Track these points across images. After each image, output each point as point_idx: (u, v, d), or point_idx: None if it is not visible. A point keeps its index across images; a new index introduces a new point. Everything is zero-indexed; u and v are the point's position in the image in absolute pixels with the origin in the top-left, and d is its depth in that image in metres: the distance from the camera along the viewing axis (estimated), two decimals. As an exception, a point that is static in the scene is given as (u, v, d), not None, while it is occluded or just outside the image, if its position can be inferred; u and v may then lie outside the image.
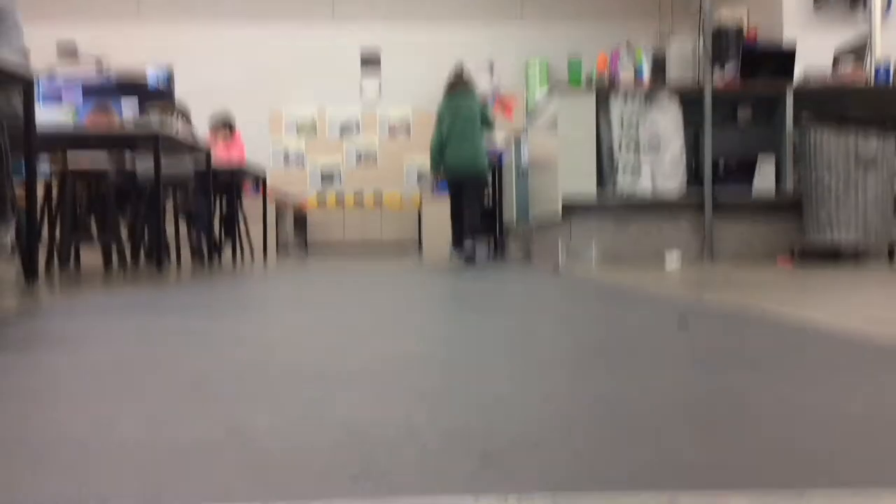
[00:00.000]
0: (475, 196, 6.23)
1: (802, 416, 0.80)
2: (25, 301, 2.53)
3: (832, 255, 4.48)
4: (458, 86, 6.20)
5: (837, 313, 1.74)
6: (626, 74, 4.86)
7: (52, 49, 10.35)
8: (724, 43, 7.84)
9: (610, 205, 4.69)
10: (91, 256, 5.82)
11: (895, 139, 4.21)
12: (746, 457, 0.66)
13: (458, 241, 6.36)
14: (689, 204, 4.68)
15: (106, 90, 10.12)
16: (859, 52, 5.31)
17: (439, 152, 6.13)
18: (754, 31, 8.17)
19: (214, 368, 1.16)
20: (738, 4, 8.49)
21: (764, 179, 4.78)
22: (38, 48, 8.12)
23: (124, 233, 5.50)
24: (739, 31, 8.05)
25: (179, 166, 5.72)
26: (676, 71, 4.98)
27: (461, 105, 6.04)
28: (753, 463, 0.65)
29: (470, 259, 6.03)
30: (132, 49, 10.52)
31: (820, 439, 0.72)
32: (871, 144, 4.14)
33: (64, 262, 4.41)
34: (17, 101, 3.33)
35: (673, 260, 4.53)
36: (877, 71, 4.98)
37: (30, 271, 3.11)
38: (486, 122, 6.07)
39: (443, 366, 1.15)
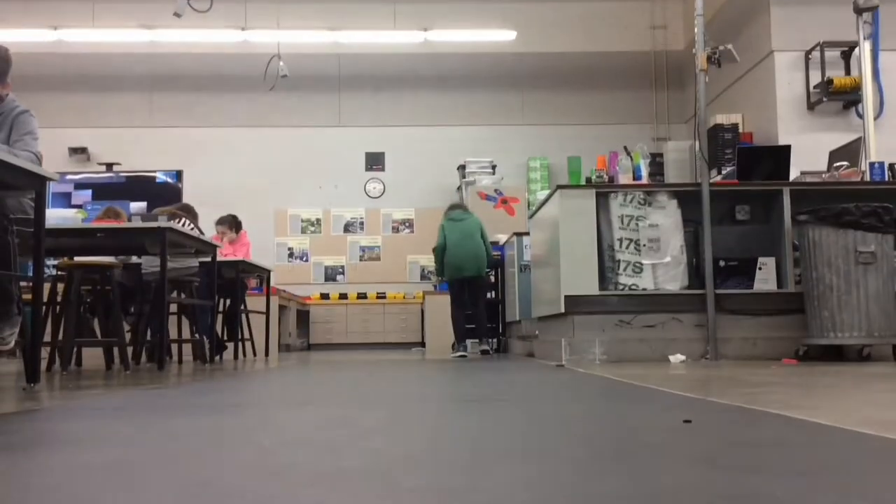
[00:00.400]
0: (478, 295, 6.80)
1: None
2: (26, 401, 2.52)
3: (837, 355, 4.46)
4: (458, 207, 7.06)
5: (842, 413, 1.73)
6: (624, 175, 4.95)
7: (64, 153, 10.61)
8: (720, 143, 8.03)
9: (612, 302, 4.70)
10: (93, 355, 5.81)
11: (893, 237, 4.25)
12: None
13: (460, 338, 6.74)
14: (692, 302, 4.69)
15: (115, 190, 10.32)
16: (853, 153, 5.42)
17: (442, 254, 6.79)
18: (749, 135, 8.38)
19: (213, 469, 1.15)
20: (733, 109, 8.74)
21: (765, 278, 4.80)
22: (50, 152, 8.31)
23: (126, 330, 5.50)
24: (735, 132, 8.26)
25: (185, 264, 5.77)
26: (674, 171, 5.08)
27: (462, 219, 6.85)
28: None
29: (485, 352, 6.79)
30: (142, 153, 10.78)
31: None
32: (870, 242, 4.18)
33: (66, 362, 4.40)
34: (29, 203, 3.40)
35: (677, 359, 4.51)
36: (872, 169, 5.07)
37: (31, 371, 3.11)
38: (484, 240, 6.81)
39: (445, 465, 1.14)
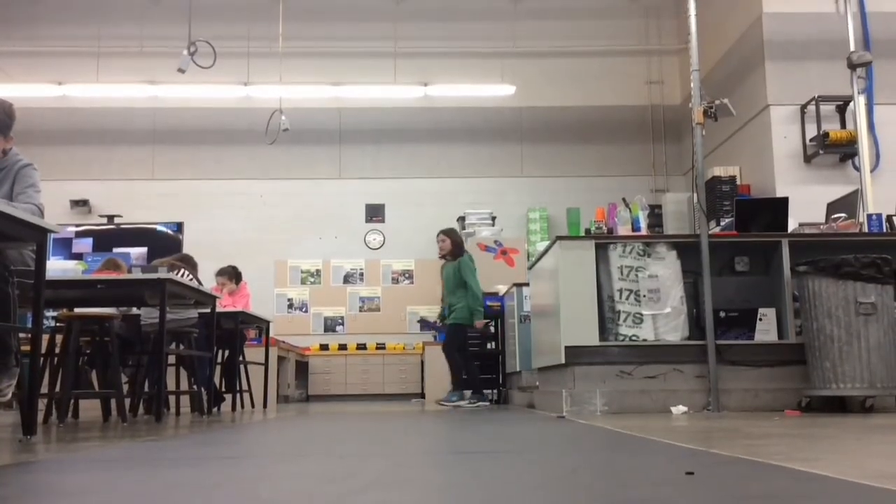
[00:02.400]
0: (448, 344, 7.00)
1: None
2: (22, 453, 2.50)
3: (840, 406, 4.42)
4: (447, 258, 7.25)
5: (846, 465, 1.72)
6: (623, 227, 4.98)
7: (66, 205, 10.67)
8: (718, 195, 8.09)
9: (613, 353, 4.68)
10: (90, 406, 5.77)
11: (893, 287, 4.26)
12: None
13: (477, 386, 6.96)
14: (693, 353, 4.67)
15: (116, 238, 10.36)
16: (851, 205, 5.46)
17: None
18: (747, 187, 8.45)
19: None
20: (730, 162, 8.82)
21: (766, 329, 4.79)
22: (52, 204, 8.36)
23: (125, 381, 5.46)
24: (733, 184, 8.33)
25: (184, 315, 5.76)
26: (673, 223, 5.12)
27: (446, 270, 7.17)
28: None
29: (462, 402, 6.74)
30: (143, 206, 10.85)
31: None
32: (870, 293, 4.18)
33: (63, 415, 4.37)
34: (30, 255, 3.41)
35: (679, 410, 4.47)
36: (869, 221, 5.10)
37: (28, 423, 3.08)
38: (463, 282, 6.97)
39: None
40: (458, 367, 6.91)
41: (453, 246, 7.09)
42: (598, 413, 4.55)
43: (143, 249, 10.30)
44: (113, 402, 4.97)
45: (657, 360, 4.67)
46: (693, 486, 1.48)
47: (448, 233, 7.19)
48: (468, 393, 6.86)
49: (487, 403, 6.78)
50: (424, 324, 7.43)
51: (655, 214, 5.20)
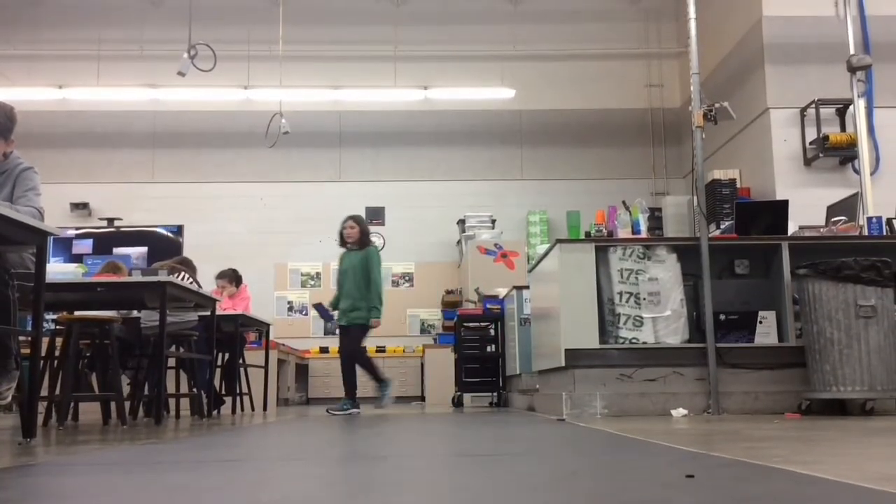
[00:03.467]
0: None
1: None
2: (22, 456, 2.50)
3: (840, 409, 4.42)
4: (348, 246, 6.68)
5: (846, 468, 1.72)
6: (623, 230, 4.98)
7: (66, 208, 10.68)
8: (718, 198, 8.09)
9: (613, 356, 4.68)
10: (90, 409, 5.77)
11: (893, 290, 4.26)
12: None
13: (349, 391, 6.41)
14: (693, 356, 4.67)
15: (116, 239, 10.36)
16: (851, 208, 5.46)
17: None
18: (747, 189, 8.45)
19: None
20: (730, 165, 8.83)
21: (766, 332, 4.79)
22: (52, 207, 8.37)
23: (126, 383, 5.46)
24: (733, 187, 8.33)
25: (184, 318, 5.76)
26: (673, 226, 5.11)
27: (349, 259, 6.61)
28: None
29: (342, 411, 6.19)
30: (143, 208, 10.86)
31: None
32: (870, 296, 4.18)
33: (62, 417, 4.37)
34: (30, 258, 3.41)
35: (679, 412, 4.47)
36: (869, 224, 5.10)
37: (28, 427, 3.08)
38: (367, 275, 6.46)
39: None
40: (374, 367, 6.55)
41: (361, 234, 6.61)
42: (599, 416, 4.55)
43: (144, 249, 10.32)
44: (113, 405, 4.97)
45: (657, 363, 4.67)
46: (693, 488, 1.48)
47: (357, 220, 6.70)
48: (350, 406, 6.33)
49: (359, 411, 6.31)
50: (322, 311, 6.76)
51: (655, 217, 5.20)
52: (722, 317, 4.79)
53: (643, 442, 2.64)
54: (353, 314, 6.43)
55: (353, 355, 6.41)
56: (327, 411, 6.39)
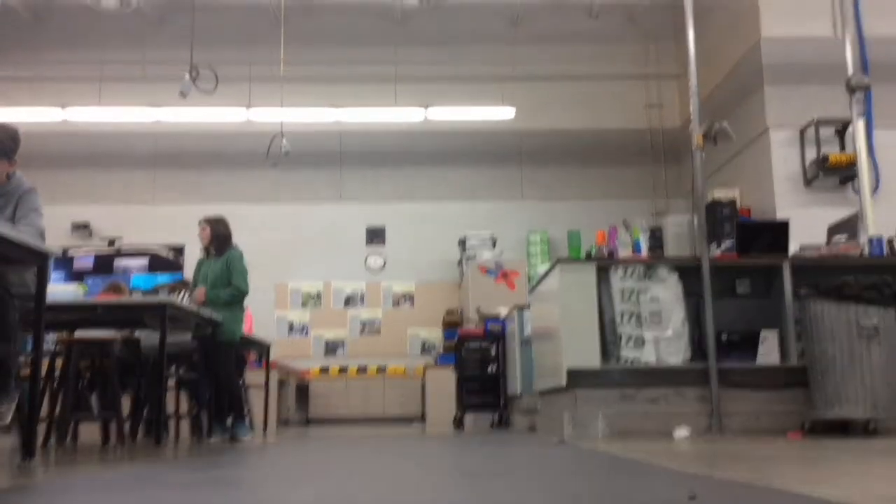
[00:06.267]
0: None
1: None
2: (21, 477, 2.48)
3: (843, 429, 4.40)
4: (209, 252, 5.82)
5: (848, 488, 1.71)
6: (624, 250, 4.98)
7: (67, 227, 10.69)
8: (718, 218, 8.09)
9: (615, 376, 4.67)
10: (89, 430, 5.74)
11: (895, 310, 4.24)
12: None
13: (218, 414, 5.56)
14: (695, 377, 4.66)
15: (117, 260, 10.36)
16: (851, 228, 5.46)
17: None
18: (747, 209, 8.46)
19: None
20: (730, 184, 8.84)
21: (768, 352, 4.78)
22: (53, 227, 8.37)
23: (125, 405, 5.44)
24: (733, 207, 8.34)
25: (184, 338, 5.74)
26: (673, 246, 5.11)
27: (207, 267, 5.76)
28: None
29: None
30: (144, 228, 10.86)
31: None
32: (872, 316, 4.17)
33: (62, 438, 4.35)
34: (31, 278, 3.41)
35: (681, 434, 4.45)
36: (871, 243, 5.09)
37: (27, 447, 3.07)
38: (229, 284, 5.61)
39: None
40: (239, 393, 5.71)
41: (213, 237, 5.70)
42: (601, 436, 4.53)
43: (144, 261, 10.29)
44: (113, 425, 4.95)
45: (659, 383, 4.65)
46: (696, 510, 1.47)
47: (211, 221, 5.78)
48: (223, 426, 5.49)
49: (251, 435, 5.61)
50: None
51: (656, 237, 5.20)
52: (724, 336, 4.78)
53: (645, 463, 2.63)
54: (220, 330, 5.47)
55: (228, 379, 5.53)
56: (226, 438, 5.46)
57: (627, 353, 4.70)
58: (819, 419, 4.33)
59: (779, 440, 3.90)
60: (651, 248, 5.13)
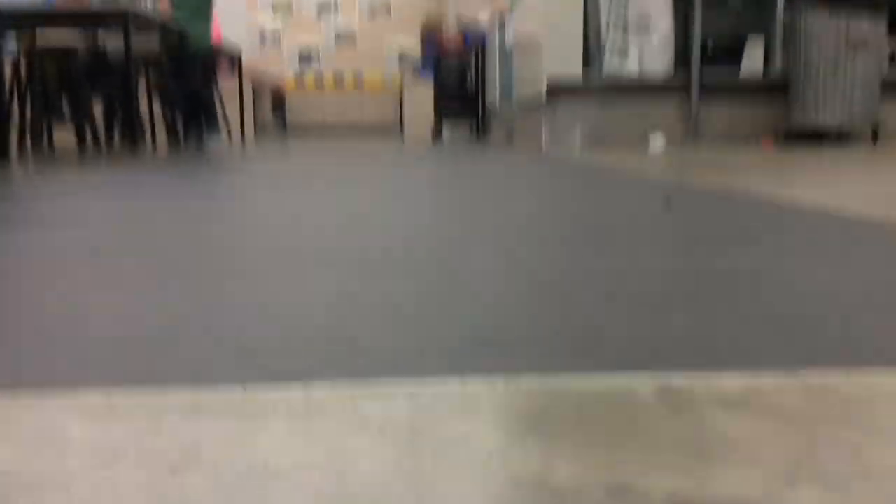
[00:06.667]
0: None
1: (794, 293, 0.80)
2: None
3: (816, 137, 4.45)
4: None
5: (821, 193, 1.74)
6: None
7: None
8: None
9: (595, 87, 4.60)
10: (64, 136, 5.70)
11: (886, 21, 4.12)
12: (740, 336, 0.66)
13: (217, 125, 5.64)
14: (676, 86, 4.60)
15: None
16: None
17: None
18: None
19: (192, 251, 1.13)
20: None
21: (752, 60, 4.69)
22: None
23: (98, 113, 5.36)
24: None
25: (150, 44, 5.51)
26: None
27: None
28: (747, 343, 0.64)
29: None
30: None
31: (813, 318, 0.71)
32: (862, 26, 4.05)
33: (36, 141, 4.31)
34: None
35: (657, 142, 4.49)
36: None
37: (1, 151, 3.03)
38: None
39: (426, 247, 1.13)
40: (212, 102, 5.64)
41: None
42: (578, 146, 4.56)
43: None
44: (88, 132, 4.90)
45: (640, 93, 4.60)
46: (672, 216, 1.49)
47: None
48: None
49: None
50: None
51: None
52: (710, 44, 4.65)
53: (622, 172, 2.66)
54: (195, 39, 5.30)
55: (200, 88, 5.45)
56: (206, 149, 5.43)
57: (611, 62, 4.59)
58: (794, 126, 4.36)
59: (753, 148, 3.95)
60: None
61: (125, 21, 4.42)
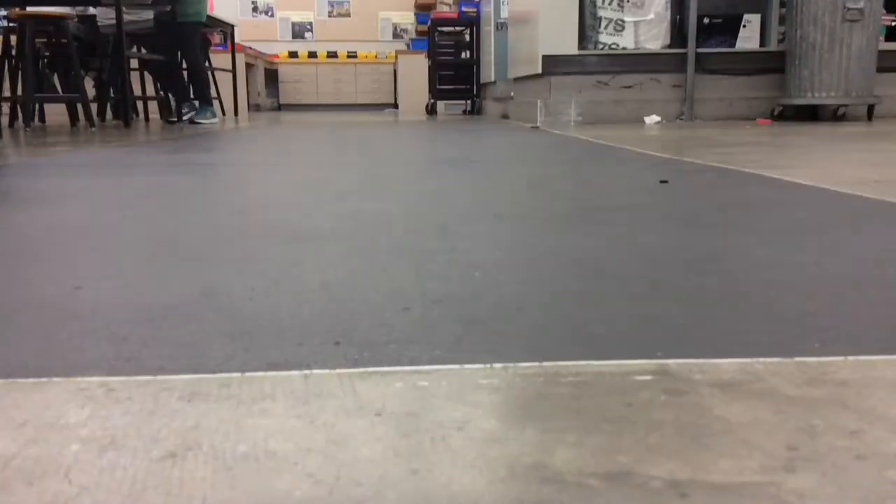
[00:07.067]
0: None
1: (791, 276, 0.80)
2: (-10, 158, 2.45)
3: (812, 115, 4.45)
4: None
5: (819, 173, 1.74)
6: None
7: None
8: None
9: (591, 62, 4.58)
10: (56, 113, 5.65)
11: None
12: (736, 321, 0.66)
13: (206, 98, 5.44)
14: (672, 63, 4.58)
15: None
16: None
17: None
18: None
19: (188, 228, 1.13)
20: None
21: (748, 36, 4.67)
22: None
23: (90, 89, 5.31)
24: None
25: (142, 16, 5.46)
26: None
27: None
28: (742, 327, 0.64)
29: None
30: None
31: (810, 301, 0.71)
32: (859, 1, 4.02)
33: (28, 117, 4.27)
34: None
35: (652, 119, 4.47)
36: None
37: (-8, 127, 3.01)
38: None
39: (423, 225, 1.13)
40: (208, 84, 5.48)
41: None
42: (573, 123, 4.55)
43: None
44: (80, 108, 4.86)
45: (635, 70, 4.58)
46: (668, 193, 1.49)
47: None
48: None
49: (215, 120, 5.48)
50: None
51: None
52: (706, 20, 4.63)
53: (617, 148, 2.65)
54: (185, 8, 5.14)
55: (194, 62, 5.31)
56: (187, 121, 5.39)
57: (606, 38, 4.56)
58: (790, 105, 4.35)
59: (749, 126, 3.94)
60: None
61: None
